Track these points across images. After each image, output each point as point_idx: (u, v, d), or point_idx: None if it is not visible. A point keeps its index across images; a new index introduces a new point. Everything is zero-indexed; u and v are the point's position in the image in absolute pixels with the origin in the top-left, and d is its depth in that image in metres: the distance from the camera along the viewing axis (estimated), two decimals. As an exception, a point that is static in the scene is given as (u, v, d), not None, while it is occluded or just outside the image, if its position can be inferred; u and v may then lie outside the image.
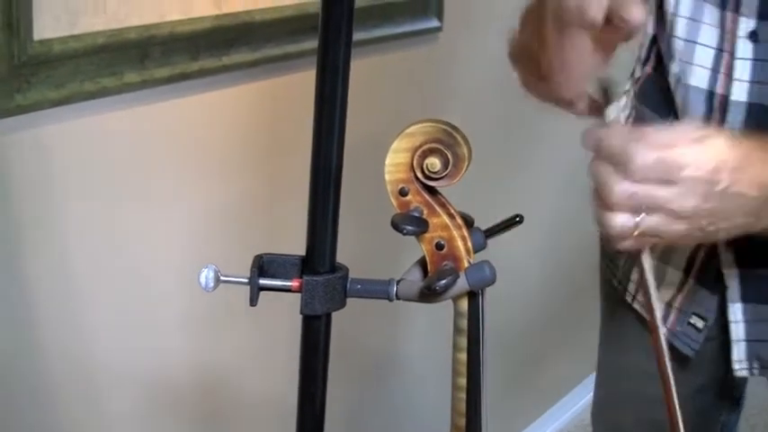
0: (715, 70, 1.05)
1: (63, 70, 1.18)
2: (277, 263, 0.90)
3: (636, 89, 1.21)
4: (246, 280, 0.88)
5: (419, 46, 1.73)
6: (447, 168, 0.87)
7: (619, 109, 1.27)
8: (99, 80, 1.22)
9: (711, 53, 1.05)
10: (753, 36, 1.01)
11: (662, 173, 0.84)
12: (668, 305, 1.19)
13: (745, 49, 1.01)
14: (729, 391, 1.33)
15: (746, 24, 1.00)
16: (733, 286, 1.13)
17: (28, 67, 1.14)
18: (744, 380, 1.34)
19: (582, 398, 2.63)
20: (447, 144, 0.87)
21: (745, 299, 1.12)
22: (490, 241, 0.96)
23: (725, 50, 1.04)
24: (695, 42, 1.06)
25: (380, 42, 1.63)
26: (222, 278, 0.89)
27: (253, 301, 0.88)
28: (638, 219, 0.85)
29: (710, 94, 1.06)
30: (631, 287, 1.24)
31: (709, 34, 1.05)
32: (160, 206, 1.37)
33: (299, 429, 0.93)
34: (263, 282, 0.88)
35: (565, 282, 2.39)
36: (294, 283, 0.88)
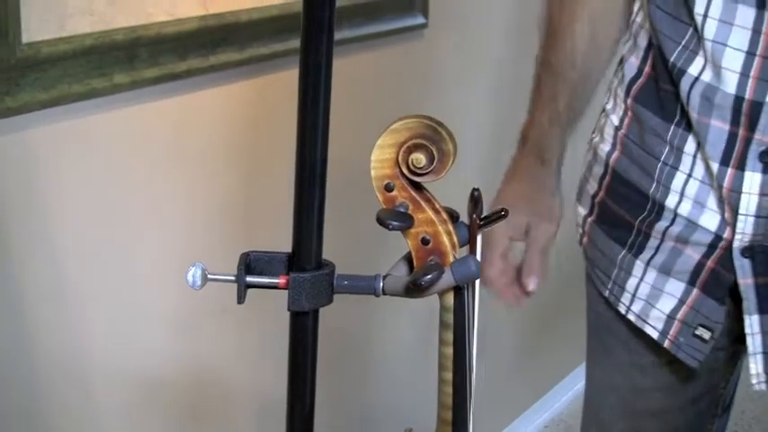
0: (744, 74, 1.00)
1: (52, 72, 1.17)
2: (264, 260, 0.89)
3: (633, 91, 1.17)
4: (233, 278, 0.87)
5: (405, 43, 1.72)
6: (432, 164, 0.85)
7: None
8: (88, 82, 1.22)
9: (741, 57, 1.00)
10: None
11: None
12: (669, 318, 1.16)
13: None
14: (721, 400, 1.31)
15: None
16: (750, 298, 1.09)
17: (17, 69, 1.13)
18: (734, 388, 1.31)
19: (570, 389, 2.62)
20: (432, 140, 0.86)
21: (761, 310, 1.09)
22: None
23: (758, 54, 0.99)
24: (725, 45, 1.01)
25: (367, 40, 1.62)
26: (209, 276, 0.88)
27: (240, 298, 0.87)
28: None
29: (738, 99, 1.02)
30: (625, 297, 1.20)
31: (740, 37, 1.00)
32: (150, 205, 1.36)
33: (288, 425, 0.92)
34: (249, 279, 0.87)
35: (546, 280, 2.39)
36: (281, 281, 0.87)
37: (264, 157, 1.48)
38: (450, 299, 0.89)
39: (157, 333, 1.42)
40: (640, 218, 1.16)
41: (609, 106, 1.23)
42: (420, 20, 1.72)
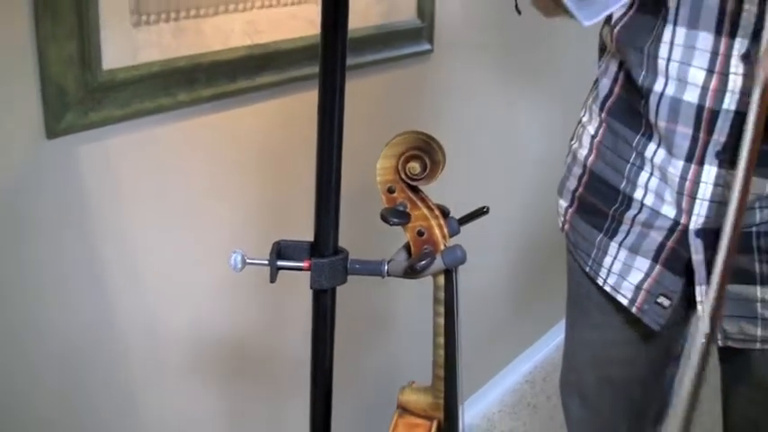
0: (705, 88, 1.00)
1: (127, 93, 1.17)
2: (291, 247, 0.89)
3: (608, 105, 1.16)
4: (267, 262, 0.88)
5: (414, 65, 1.71)
6: (425, 171, 0.86)
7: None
8: (156, 100, 1.21)
9: (703, 74, 1.00)
10: (745, 56, 0.96)
11: None
12: (637, 288, 1.15)
13: (737, 66, 0.97)
14: (674, 352, 1.30)
15: (740, 46, 0.96)
16: (700, 271, 1.08)
17: (98, 91, 1.13)
18: (684, 343, 1.30)
19: (548, 345, 2.60)
20: (425, 151, 0.86)
21: (709, 281, 1.07)
22: (465, 227, 0.94)
23: (716, 71, 0.98)
24: (689, 65, 1.00)
25: (383, 63, 1.60)
26: (248, 261, 0.89)
27: (272, 278, 0.88)
28: None
29: (700, 108, 1.01)
30: (603, 272, 1.19)
31: (701, 58, 0.99)
32: (205, 201, 1.36)
33: (312, 381, 0.93)
34: (280, 263, 0.88)
35: (530, 257, 2.37)
36: (305, 264, 0.87)
37: (299, 162, 1.47)
38: (441, 280, 0.90)
39: (209, 305, 1.42)
40: (613, 208, 1.16)
41: (585, 119, 1.23)
42: (427, 47, 1.71)
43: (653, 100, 1.05)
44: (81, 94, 1.10)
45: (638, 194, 1.12)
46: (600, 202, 1.18)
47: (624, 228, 1.15)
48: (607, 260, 1.18)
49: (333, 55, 0.80)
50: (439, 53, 1.74)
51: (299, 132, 1.44)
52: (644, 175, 1.11)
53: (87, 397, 1.25)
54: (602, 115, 1.17)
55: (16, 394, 1.15)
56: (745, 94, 0.97)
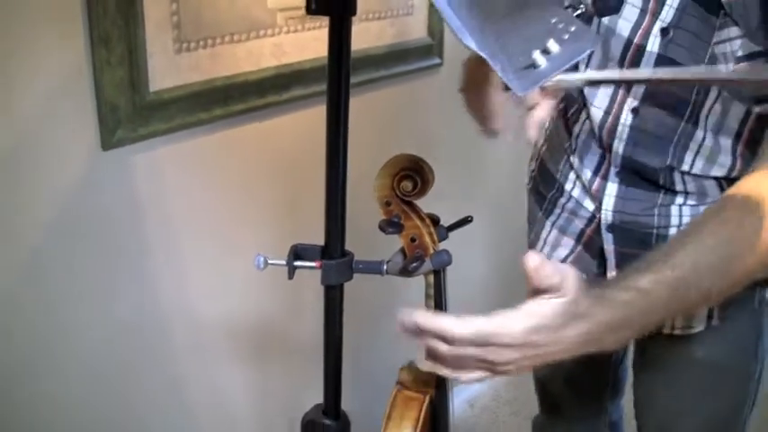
0: (600, 128, 1.06)
1: (171, 109, 1.21)
2: (306, 250, 0.92)
3: (553, 117, 1.22)
4: (285, 262, 0.91)
5: (425, 78, 1.71)
6: (416, 189, 0.89)
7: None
8: (196, 115, 1.25)
9: (601, 113, 1.06)
10: (635, 111, 1.02)
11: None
12: (562, 262, 1.19)
13: (627, 117, 1.03)
14: (606, 373, 1.31)
15: (631, 102, 1.01)
16: (611, 259, 1.13)
17: (146, 109, 1.17)
18: (621, 368, 1.32)
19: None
20: (416, 171, 0.89)
21: (619, 266, 1.13)
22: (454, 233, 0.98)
23: (611, 114, 1.05)
24: (592, 105, 1.07)
25: (398, 76, 1.62)
26: (270, 261, 0.92)
27: (290, 276, 0.91)
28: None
29: (600, 138, 1.08)
30: (540, 243, 1.23)
31: (602, 100, 1.06)
32: (235, 204, 1.37)
33: (325, 361, 0.96)
34: (296, 263, 0.91)
35: (505, 263, 2.32)
36: (317, 264, 0.90)
37: (318, 170, 1.48)
38: (431, 278, 0.94)
39: (240, 298, 1.43)
40: (551, 193, 1.21)
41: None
42: (437, 60, 1.73)
43: (577, 127, 1.13)
44: (131, 112, 1.15)
45: (568, 186, 1.18)
46: (543, 186, 1.24)
47: (557, 211, 1.20)
48: (543, 233, 1.23)
49: (338, 79, 0.82)
50: (448, 67, 1.74)
51: (320, 143, 1.47)
52: (573, 172, 1.17)
53: (137, 375, 1.29)
54: (553, 116, 1.23)
55: (75, 377, 1.20)
56: (631, 139, 1.03)
